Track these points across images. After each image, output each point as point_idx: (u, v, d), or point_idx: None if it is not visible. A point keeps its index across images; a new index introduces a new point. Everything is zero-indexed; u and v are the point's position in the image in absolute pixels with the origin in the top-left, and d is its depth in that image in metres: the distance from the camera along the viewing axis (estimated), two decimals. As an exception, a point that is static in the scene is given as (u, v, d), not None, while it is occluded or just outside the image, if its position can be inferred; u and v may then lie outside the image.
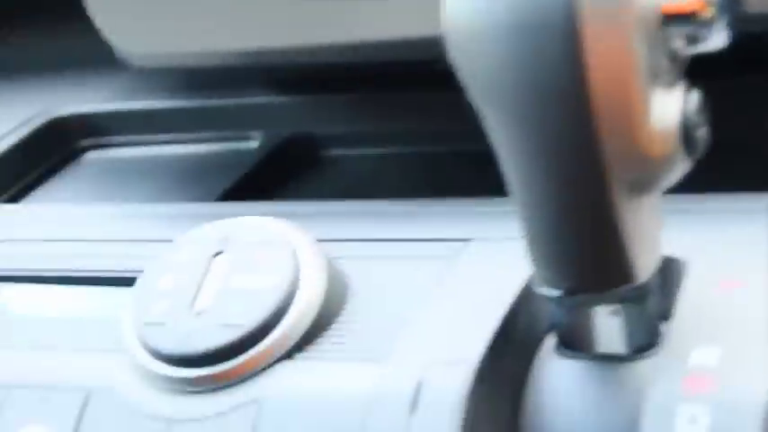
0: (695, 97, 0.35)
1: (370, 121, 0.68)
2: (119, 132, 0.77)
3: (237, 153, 0.73)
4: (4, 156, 0.72)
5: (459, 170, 0.65)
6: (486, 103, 0.34)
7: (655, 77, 0.34)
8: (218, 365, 0.45)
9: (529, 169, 0.35)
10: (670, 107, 0.35)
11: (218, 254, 0.48)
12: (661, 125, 0.35)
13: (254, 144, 0.73)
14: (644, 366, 0.40)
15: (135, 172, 0.74)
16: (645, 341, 0.41)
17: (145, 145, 0.76)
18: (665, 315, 0.42)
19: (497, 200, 0.47)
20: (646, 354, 0.40)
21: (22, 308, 0.56)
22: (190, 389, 0.45)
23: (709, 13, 0.34)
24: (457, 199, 0.53)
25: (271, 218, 0.49)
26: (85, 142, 0.78)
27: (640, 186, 0.36)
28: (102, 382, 0.48)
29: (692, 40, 0.35)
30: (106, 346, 0.50)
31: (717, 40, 0.34)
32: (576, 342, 0.41)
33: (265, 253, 0.47)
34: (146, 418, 0.46)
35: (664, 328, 0.41)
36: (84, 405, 0.47)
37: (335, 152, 0.73)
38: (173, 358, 0.45)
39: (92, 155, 0.78)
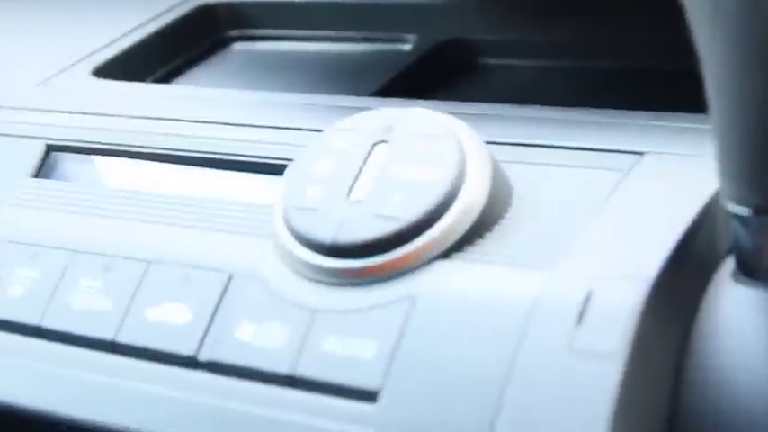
0: None
1: (534, 31, 0.66)
2: (269, 25, 0.77)
3: (390, 54, 0.72)
4: (152, 38, 0.73)
5: (627, 87, 0.62)
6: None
7: None
8: (370, 258, 0.44)
9: (750, 78, 0.34)
10: None
11: (379, 142, 0.47)
12: None
13: (407, 47, 0.71)
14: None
15: (283, 66, 0.74)
16: None
17: (295, 40, 0.76)
18: None
19: (672, 115, 0.48)
20: None
21: (166, 186, 0.56)
22: (338, 280, 0.44)
23: None
24: (630, 112, 0.51)
25: (437, 112, 0.47)
26: (234, 32, 0.78)
27: None
28: (246, 265, 0.47)
29: None
30: (251, 230, 0.49)
31: None
32: (757, 268, 0.39)
33: (430, 145, 0.45)
34: (288, 305, 0.45)
35: None
36: (226, 287, 0.47)
37: (494, 61, 0.71)
38: (323, 247, 0.44)
39: (240, 45, 0.78)
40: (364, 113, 0.49)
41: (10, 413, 0.52)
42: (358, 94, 0.62)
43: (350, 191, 0.46)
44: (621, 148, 0.47)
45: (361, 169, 0.46)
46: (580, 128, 0.51)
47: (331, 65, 0.73)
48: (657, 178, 0.45)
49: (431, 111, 0.48)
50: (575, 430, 0.36)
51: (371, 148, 0.47)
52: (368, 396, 0.41)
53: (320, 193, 0.46)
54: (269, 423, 0.44)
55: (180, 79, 0.73)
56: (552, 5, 0.65)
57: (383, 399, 0.41)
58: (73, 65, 0.72)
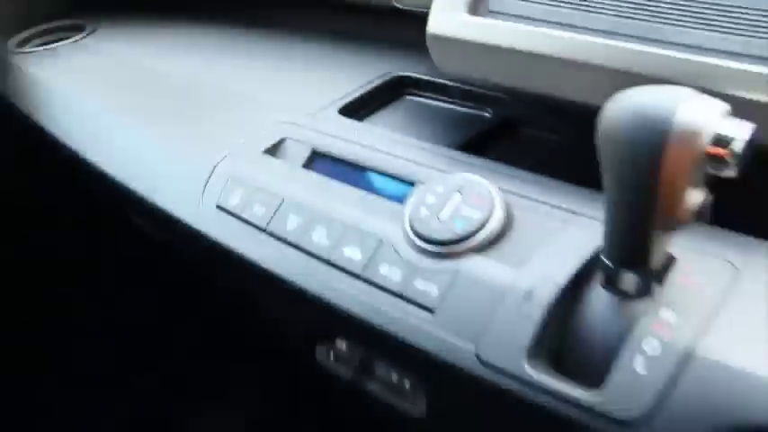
0: (709, 197, 0.50)
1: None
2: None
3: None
4: (366, 94, 0.95)
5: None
6: (608, 162, 0.50)
7: (693, 182, 0.49)
8: (444, 247, 0.65)
9: (617, 201, 0.51)
10: (696, 198, 0.50)
11: (455, 192, 0.68)
12: (689, 206, 0.49)
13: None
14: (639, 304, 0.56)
15: (430, 118, 0.93)
16: (646, 292, 0.56)
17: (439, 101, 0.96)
18: (660, 281, 0.57)
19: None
20: (643, 298, 0.56)
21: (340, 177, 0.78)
22: (430, 255, 0.65)
23: (731, 159, 0.47)
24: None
25: (478, 176, 0.68)
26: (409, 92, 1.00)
27: (668, 230, 0.52)
28: (389, 239, 0.69)
29: (717, 169, 0.48)
30: (395, 220, 0.70)
31: (730, 173, 0.48)
32: (614, 286, 0.57)
33: (478, 198, 0.67)
34: (405, 263, 0.66)
35: (655, 288, 0.56)
36: (379, 245, 0.68)
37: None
38: (425, 238, 0.66)
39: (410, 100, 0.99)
40: (452, 175, 0.70)
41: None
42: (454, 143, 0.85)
43: (439, 214, 0.67)
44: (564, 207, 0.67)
45: (446, 203, 0.67)
46: (555, 192, 0.69)
47: (449, 119, 0.93)
48: (584, 230, 0.63)
49: (480, 178, 0.68)
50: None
51: (452, 195, 0.68)
52: (430, 311, 0.63)
53: (425, 212, 0.68)
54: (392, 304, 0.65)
55: (372, 118, 0.94)
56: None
57: (437, 313, 0.63)
58: (328, 106, 0.92)
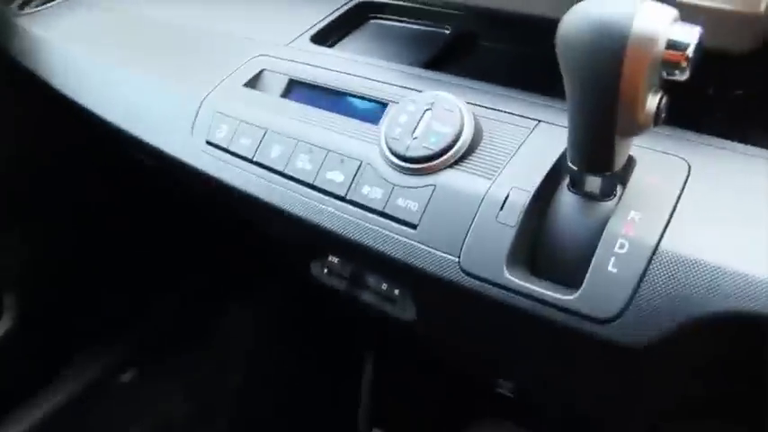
0: (664, 99, 0.51)
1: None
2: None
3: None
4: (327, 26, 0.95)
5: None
6: (569, 72, 0.50)
7: (650, 86, 0.50)
8: (420, 164, 0.66)
9: (580, 107, 0.51)
10: (653, 102, 0.50)
11: (427, 109, 0.69)
12: (647, 110, 0.50)
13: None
14: (605, 205, 0.58)
15: (395, 39, 0.94)
16: (610, 193, 0.58)
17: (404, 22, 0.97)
18: (624, 183, 0.59)
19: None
20: (608, 199, 0.58)
21: (318, 104, 0.79)
22: (406, 172, 0.67)
23: (685, 66, 0.48)
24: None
25: (452, 95, 0.69)
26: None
27: (628, 133, 0.53)
28: (368, 158, 0.70)
29: (671, 73, 0.49)
30: (371, 140, 0.71)
31: (684, 76, 0.48)
32: (580, 187, 0.59)
33: (448, 114, 0.67)
34: (384, 180, 0.68)
35: (619, 190, 0.58)
36: (360, 166, 0.70)
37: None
38: (400, 156, 0.68)
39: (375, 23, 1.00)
40: (422, 94, 0.71)
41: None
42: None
43: (413, 132, 0.68)
44: (529, 116, 0.68)
45: (418, 122, 0.68)
46: (519, 102, 0.70)
47: (412, 39, 0.93)
48: (549, 137, 0.64)
49: (448, 94, 0.69)
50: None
51: (424, 113, 0.69)
52: (413, 226, 0.65)
53: (400, 131, 0.69)
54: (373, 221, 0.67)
55: (342, 44, 0.94)
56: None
57: (420, 227, 0.65)
58: (300, 35, 0.92)
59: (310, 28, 0.92)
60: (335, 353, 1.52)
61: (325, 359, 1.51)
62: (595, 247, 0.55)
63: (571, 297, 0.56)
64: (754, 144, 0.61)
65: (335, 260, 0.81)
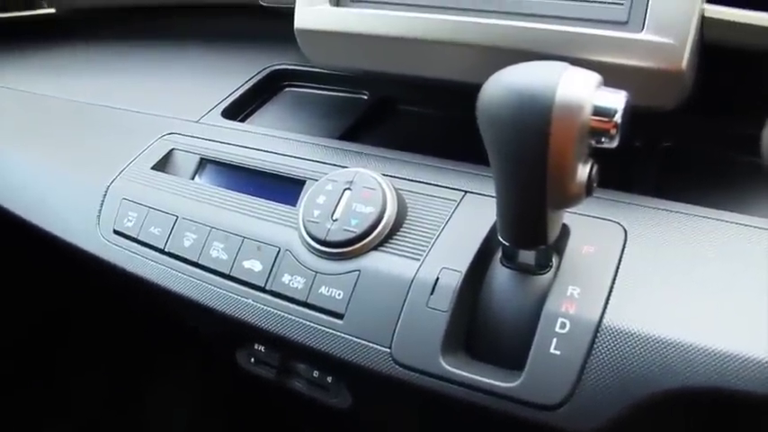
0: (595, 168, 0.48)
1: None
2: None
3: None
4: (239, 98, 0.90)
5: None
6: (493, 145, 0.47)
7: (579, 157, 0.46)
8: (341, 249, 0.61)
9: (507, 183, 0.48)
10: (584, 172, 0.47)
11: (346, 189, 0.64)
12: (578, 181, 0.47)
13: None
14: (542, 279, 0.54)
15: (311, 108, 0.89)
16: (546, 264, 0.54)
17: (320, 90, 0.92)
18: (559, 253, 0.55)
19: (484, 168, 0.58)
20: (544, 272, 0.54)
21: (231, 185, 0.74)
22: (328, 258, 0.61)
23: (614, 133, 0.44)
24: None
25: (373, 172, 0.64)
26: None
27: (560, 206, 0.49)
28: (288, 244, 0.64)
29: (600, 142, 0.45)
30: (290, 224, 0.66)
31: (612, 144, 0.45)
32: (513, 262, 0.55)
33: (370, 192, 0.62)
34: (304, 268, 0.62)
35: (555, 260, 0.55)
36: (278, 254, 0.64)
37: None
38: (321, 241, 0.62)
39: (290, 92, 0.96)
40: (340, 172, 0.66)
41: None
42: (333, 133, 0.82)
43: (332, 214, 0.63)
44: (455, 186, 0.64)
45: (338, 202, 0.63)
46: (444, 172, 0.67)
47: (330, 107, 0.89)
48: (477, 209, 0.61)
49: (368, 171, 0.64)
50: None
51: (343, 192, 0.64)
52: (339, 316, 0.60)
53: (319, 214, 0.64)
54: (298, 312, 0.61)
55: (255, 117, 0.89)
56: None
57: (347, 317, 0.59)
58: (211, 110, 0.87)
59: (222, 101, 0.87)
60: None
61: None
62: (535, 327, 0.51)
63: (513, 384, 0.51)
64: (687, 201, 0.58)
65: (262, 348, 0.73)
